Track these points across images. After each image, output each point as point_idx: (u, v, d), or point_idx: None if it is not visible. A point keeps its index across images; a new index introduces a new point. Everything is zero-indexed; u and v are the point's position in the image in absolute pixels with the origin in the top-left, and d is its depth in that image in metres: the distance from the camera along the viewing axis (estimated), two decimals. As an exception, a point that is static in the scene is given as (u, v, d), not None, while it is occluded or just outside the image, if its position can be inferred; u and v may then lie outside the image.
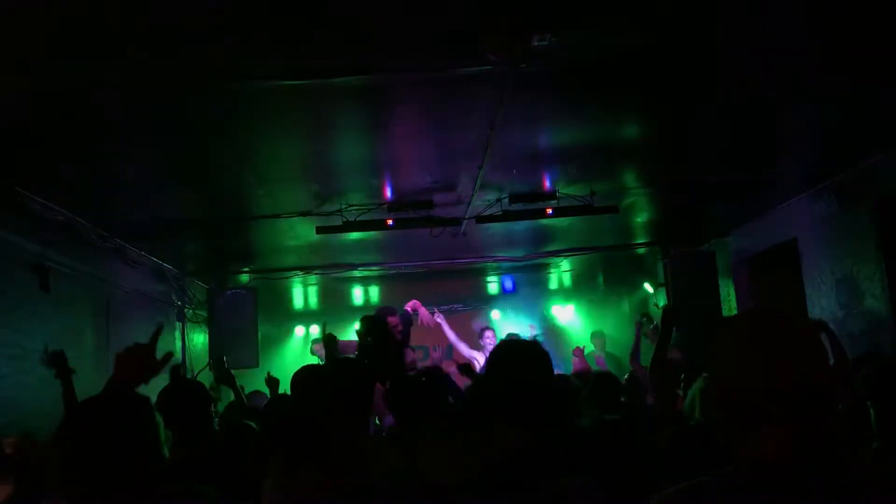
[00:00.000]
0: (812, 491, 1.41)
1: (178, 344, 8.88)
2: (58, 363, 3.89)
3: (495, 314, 12.04)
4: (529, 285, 11.17)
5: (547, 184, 6.25)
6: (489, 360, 2.51)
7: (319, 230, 6.68)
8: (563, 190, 6.30)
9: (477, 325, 11.46)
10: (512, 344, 2.71)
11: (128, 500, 1.77)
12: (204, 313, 9.28)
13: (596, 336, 10.25)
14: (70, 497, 1.75)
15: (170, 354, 2.07)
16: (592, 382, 4.63)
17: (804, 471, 1.42)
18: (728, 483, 1.47)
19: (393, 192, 6.27)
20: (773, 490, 1.42)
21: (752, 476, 1.45)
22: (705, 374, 1.63)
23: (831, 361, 5.57)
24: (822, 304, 6.94)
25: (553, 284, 11.70)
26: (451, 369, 7.63)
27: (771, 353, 1.46)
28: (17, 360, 5.08)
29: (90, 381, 3.93)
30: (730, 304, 8.61)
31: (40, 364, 3.90)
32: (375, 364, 5.12)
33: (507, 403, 2.29)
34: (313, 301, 11.66)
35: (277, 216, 6.66)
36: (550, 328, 11.45)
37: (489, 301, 11.72)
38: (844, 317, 6.57)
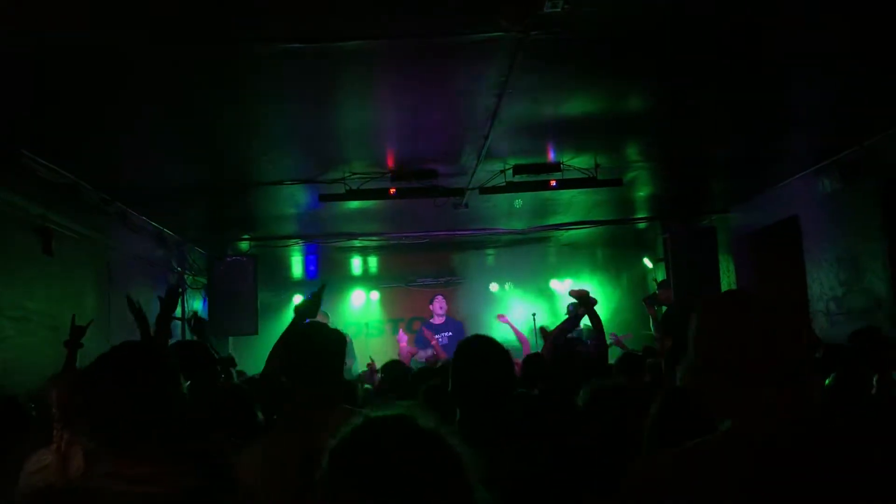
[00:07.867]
0: (826, 446, 1.46)
1: (178, 310, 8.88)
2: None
3: (493, 287, 12.05)
4: (530, 259, 11.08)
5: (552, 155, 6.22)
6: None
7: (322, 198, 6.67)
8: (568, 162, 6.28)
9: (481, 298, 11.42)
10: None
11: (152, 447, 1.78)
12: (204, 280, 9.29)
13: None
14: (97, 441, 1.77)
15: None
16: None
17: (809, 429, 1.48)
18: (733, 442, 1.50)
19: (396, 161, 6.24)
20: (785, 445, 1.46)
21: (761, 434, 1.48)
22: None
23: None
24: (822, 281, 6.95)
25: (553, 258, 11.67)
26: None
27: (768, 323, 1.53)
28: (21, 321, 5.10)
29: (91, 344, 3.93)
30: (729, 280, 8.62)
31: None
32: None
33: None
34: (313, 269, 11.66)
35: (280, 183, 6.65)
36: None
37: (488, 273, 11.71)
38: (844, 294, 6.59)
